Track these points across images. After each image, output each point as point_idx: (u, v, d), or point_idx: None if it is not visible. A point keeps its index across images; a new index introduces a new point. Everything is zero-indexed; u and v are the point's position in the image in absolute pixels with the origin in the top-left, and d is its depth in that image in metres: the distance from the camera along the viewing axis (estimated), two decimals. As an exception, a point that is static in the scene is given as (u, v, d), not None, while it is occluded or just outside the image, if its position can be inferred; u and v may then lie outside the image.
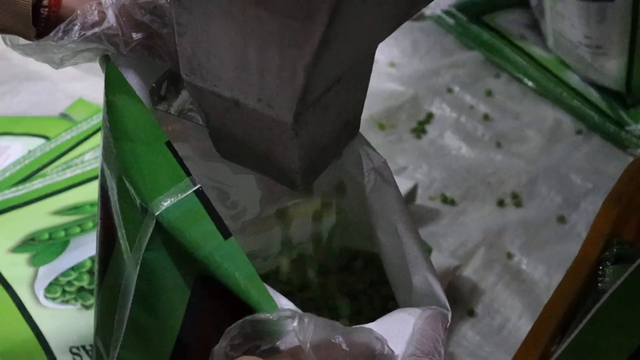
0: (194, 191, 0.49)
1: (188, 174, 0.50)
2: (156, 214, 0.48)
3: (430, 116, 1.17)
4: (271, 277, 0.66)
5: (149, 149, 0.52)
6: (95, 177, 0.97)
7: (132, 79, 0.56)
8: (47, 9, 0.56)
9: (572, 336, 0.61)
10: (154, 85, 0.57)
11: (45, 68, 1.18)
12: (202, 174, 0.62)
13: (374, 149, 0.57)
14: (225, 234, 0.48)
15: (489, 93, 1.22)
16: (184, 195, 0.49)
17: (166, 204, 0.49)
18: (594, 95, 1.18)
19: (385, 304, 0.63)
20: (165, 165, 0.51)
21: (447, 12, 1.33)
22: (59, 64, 0.58)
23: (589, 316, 0.61)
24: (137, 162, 0.51)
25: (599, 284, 0.67)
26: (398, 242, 0.54)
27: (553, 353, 0.63)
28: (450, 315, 0.50)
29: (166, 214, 0.48)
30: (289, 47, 0.46)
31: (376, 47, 0.54)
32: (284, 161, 0.54)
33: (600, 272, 0.68)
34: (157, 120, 0.54)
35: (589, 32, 1.12)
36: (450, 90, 1.22)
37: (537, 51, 1.25)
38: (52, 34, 0.55)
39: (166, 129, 0.60)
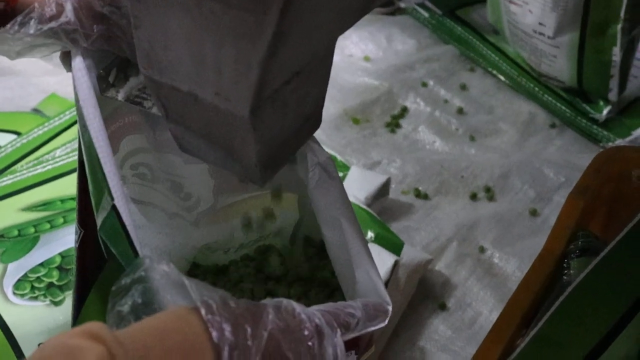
0: (112, 206, 0.50)
1: (108, 188, 0.50)
2: (98, 229, 0.50)
3: (404, 110, 1.17)
4: (231, 268, 0.66)
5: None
6: (66, 173, 0.97)
7: (91, 69, 0.56)
8: (3, 2, 0.55)
9: (536, 329, 0.61)
10: (101, 71, 0.57)
11: (17, 63, 1.18)
12: (155, 166, 0.62)
13: (319, 144, 0.57)
14: (136, 252, 0.49)
15: (463, 87, 1.22)
16: (107, 211, 0.50)
17: (99, 220, 0.50)
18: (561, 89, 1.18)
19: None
20: (100, 177, 0.52)
21: (422, 6, 1.33)
22: (15, 56, 0.58)
23: (552, 309, 0.61)
24: (91, 168, 0.52)
25: (564, 277, 0.67)
26: (342, 237, 0.54)
27: (518, 346, 0.63)
28: (390, 309, 0.51)
29: (102, 230, 0.49)
30: (243, 40, 0.46)
31: (335, 40, 0.54)
32: (243, 156, 0.53)
33: (565, 265, 0.68)
34: (113, 110, 0.54)
35: (544, 19, 1.12)
36: (424, 85, 1.22)
37: (508, 47, 1.25)
38: (8, 26, 0.55)
39: (123, 120, 0.60)
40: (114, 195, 0.50)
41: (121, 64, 0.58)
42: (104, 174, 0.51)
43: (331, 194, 0.55)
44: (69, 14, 0.55)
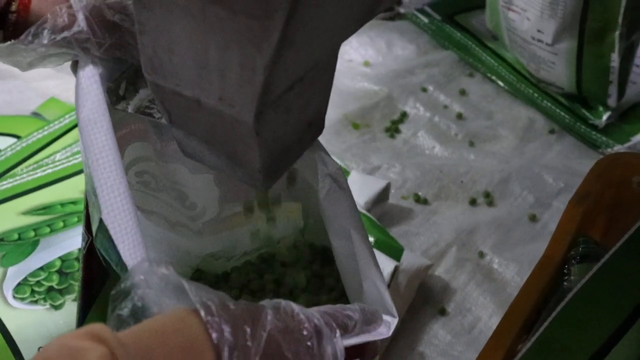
0: (101, 218, 0.50)
1: (97, 200, 0.50)
2: (95, 241, 0.50)
3: (404, 115, 1.17)
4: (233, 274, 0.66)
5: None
6: (66, 177, 0.97)
7: (104, 78, 0.56)
8: (15, 14, 0.55)
9: (537, 335, 0.61)
10: (111, 84, 0.57)
11: (17, 66, 1.18)
12: (161, 175, 0.62)
13: (329, 155, 0.58)
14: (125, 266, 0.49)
15: (462, 92, 1.22)
16: (97, 224, 0.50)
17: (95, 229, 0.50)
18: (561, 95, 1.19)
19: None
20: (91, 189, 0.51)
21: (421, 11, 1.33)
22: (26, 67, 0.58)
23: (553, 315, 0.61)
24: (87, 179, 0.52)
25: (565, 283, 0.67)
26: (350, 247, 0.54)
27: (519, 351, 0.63)
28: (396, 322, 0.51)
29: (96, 241, 0.49)
30: (248, 46, 0.46)
31: (339, 46, 0.54)
32: (246, 161, 0.53)
33: (565, 271, 0.68)
34: (121, 117, 0.54)
35: (542, 26, 1.12)
36: (424, 90, 1.22)
37: (507, 52, 1.25)
38: (22, 37, 0.55)
39: (128, 129, 0.60)
40: (103, 209, 0.50)
41: (130, 76, 0.58)
42: (93, 186, 0.51)
43: (341, 204, 0.56)
44: (81, 23, 0.55)
